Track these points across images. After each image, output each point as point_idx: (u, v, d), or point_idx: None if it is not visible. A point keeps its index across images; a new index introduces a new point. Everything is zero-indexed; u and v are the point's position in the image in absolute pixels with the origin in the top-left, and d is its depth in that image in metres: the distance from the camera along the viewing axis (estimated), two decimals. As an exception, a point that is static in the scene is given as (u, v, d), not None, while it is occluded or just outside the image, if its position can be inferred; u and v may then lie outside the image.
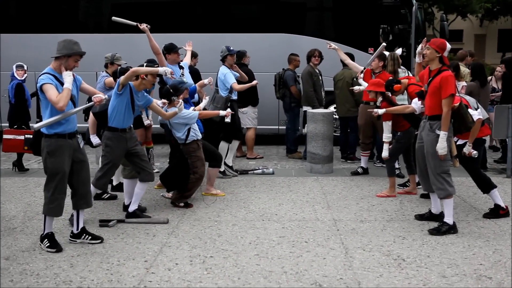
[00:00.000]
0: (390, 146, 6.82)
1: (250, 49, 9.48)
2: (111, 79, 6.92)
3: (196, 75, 8.02)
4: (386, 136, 6.69)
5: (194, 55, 8.58)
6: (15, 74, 8.22)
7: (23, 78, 8.26)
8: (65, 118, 4.78)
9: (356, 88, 7.86)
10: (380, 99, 6.79)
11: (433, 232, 5.31)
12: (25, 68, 8.33)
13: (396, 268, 4.49)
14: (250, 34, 10.42)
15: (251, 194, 6.96)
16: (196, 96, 7.45)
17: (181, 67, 7.29)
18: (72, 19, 10.97)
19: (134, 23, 7.10)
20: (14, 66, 8.30)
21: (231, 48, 8.06)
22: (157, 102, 6.03)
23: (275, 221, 5.80)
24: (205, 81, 7.20)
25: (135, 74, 5.48)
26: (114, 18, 7.31)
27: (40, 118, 4.95)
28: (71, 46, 4.84)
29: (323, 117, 8.09)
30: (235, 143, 8.10)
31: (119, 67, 6.26)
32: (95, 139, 6.28)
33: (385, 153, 6.73)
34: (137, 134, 7.70)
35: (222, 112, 6.79)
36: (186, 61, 7.80)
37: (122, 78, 5.43)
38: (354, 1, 10.46)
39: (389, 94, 6.82)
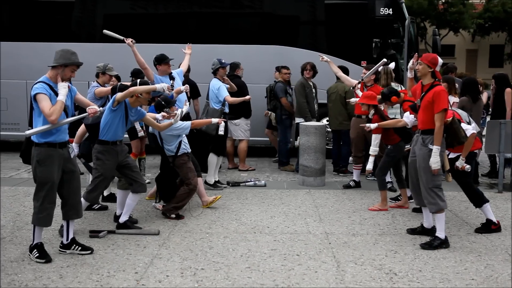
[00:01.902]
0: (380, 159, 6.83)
1: (243, 61, 9.48)
2: (101, 88, 6.90)
3: (193, 87, 7.94)
4: (373, 149, 6.70)
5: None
6: None
7: None
8: (57, 128, 4.75)
9: (352, 100, 7.86)
10: (372, 111, 6.81)
11: (425, 246, 5.30)
12: None
13: (388, 282, 4.48)
14: (244, 46, 10.43)
15: (242, 206, 6.93)
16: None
17: (172, 78, 7.25)
18: (65, 28, 10.93)
19: (121, 37, 7.11)
20: None
21: (223, 60, 8.05)
22: (156, 116, 6.00)
23: (267, 234, 5.77)
24: (182, 88, 7.12)
25: (133, 94, 5.46)
26: (105, 31, 7.34)
27: (31, 126, 4.91)
28: (68, 56, 4.83)
29: (316, 130, 8.09)
30: (218, 159, 7.97)
31: (119, 84, 6.22)
32: (76, 149, 6.22)
33: (369, 166, 6.74)
34: (132, 145, 7.71)
35: (214, 120, 6.80)
36: (183, 67, 7.73)
37: (118, 95, 5.41)
38: (347, 15, 10.52)
39: (382, 107, 6.84)
